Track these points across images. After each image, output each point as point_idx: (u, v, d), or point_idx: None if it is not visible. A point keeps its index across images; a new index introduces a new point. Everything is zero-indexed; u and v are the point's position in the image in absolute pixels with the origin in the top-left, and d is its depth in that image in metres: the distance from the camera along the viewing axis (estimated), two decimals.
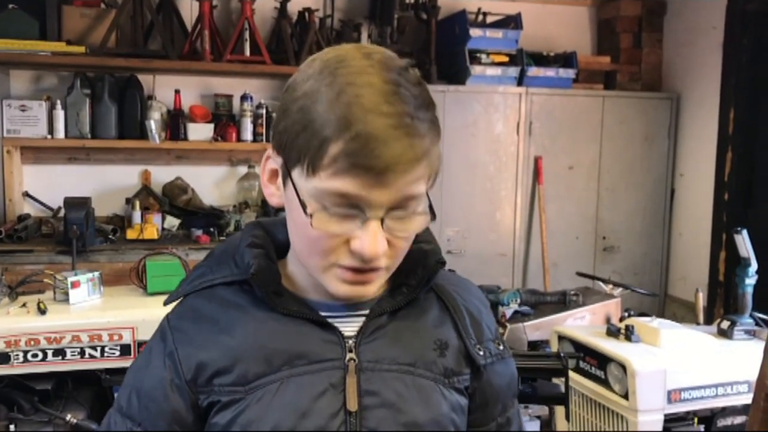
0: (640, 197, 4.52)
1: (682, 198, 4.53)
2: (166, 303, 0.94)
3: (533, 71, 4.29)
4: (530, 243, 4.36)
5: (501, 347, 0.95)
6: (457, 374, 0.90)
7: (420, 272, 0.89)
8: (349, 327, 0.88)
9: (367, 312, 0.88)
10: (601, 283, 3.37)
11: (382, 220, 0.78)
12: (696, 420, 2.40)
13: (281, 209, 0.88)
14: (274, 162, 0.84)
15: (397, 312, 0.89)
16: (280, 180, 0.84)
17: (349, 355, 0.85)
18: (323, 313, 0.87)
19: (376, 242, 0.78)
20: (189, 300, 0.91)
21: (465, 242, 4.21)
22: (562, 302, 3.20)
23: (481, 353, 0.92)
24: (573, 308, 3.16)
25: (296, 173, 0.79)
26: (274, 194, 0.86)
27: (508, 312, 3.07)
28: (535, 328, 3.04)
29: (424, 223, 0.81)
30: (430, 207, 0.82)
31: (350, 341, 0.86)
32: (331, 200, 0.77)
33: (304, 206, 0.78)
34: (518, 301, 3.14)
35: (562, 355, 2.04)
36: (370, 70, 0.77)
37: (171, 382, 0.85)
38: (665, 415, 2.29)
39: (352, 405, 0.83)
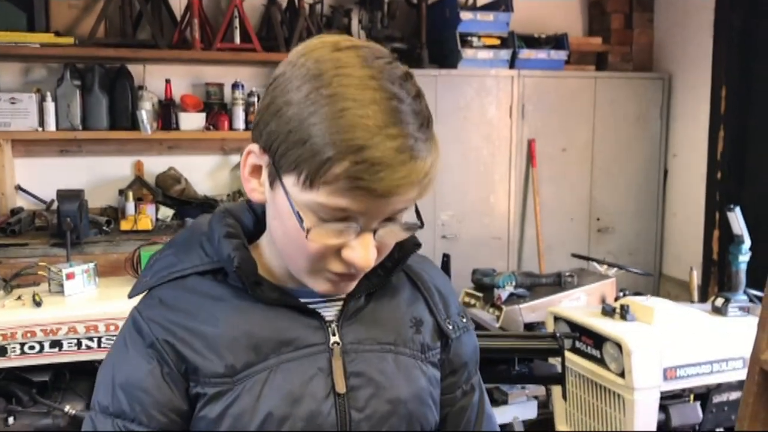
0: (634, 178, 4.52)
1: (675, 178, 4.54)
2: (131, 295, 0.90)
3: (525, 53, 4.28)
4: (525, 226, 4.37)
5: (465, 320, 0.99)
6: (432, 349, 0.94)
7: (396, 254, 0.89)
8: (329, 311, 0.89)
9: (344, 295, 0.89)
10: (596, 264, 3.39)
11: (374, 231, 0.78)
12: (692, 396, 2.42)
13: (262, 204, 0.86)
14: (259, 159, 0.81)
15: (372, 293, 0.91)
16: (264, 176, 0.82)
17: (333, 339, 0.87)
18: (303, 300, 0.88)
19: (369, 254, 0.78)
20: (157, 292, 0.87)
21: (459, 226, 4.21)
22: (558, 284, 3.22)
23: (451, 327, 0.96)
24: (568, 289, 3.18)
25: (289, 182, 0.77)
26: (257, 190, 0.83)
27: (504, 294, 3.08)
28: (530, 310, 3.05)
29: (413, 230, 0.83)
30: (418, 214, 0.84)
31: (332, 325, 0.88)
32: (327, 214, 0.76)
33: (300, 219, 0.77)
34: (514, 283, 3.15)
35: (558, 335, 2.06)
36: (372, 84, 0.74)
37: (161, 371, 0.82)
38: (661, 393, 2.31)
39: (340, 387, 0.85)
